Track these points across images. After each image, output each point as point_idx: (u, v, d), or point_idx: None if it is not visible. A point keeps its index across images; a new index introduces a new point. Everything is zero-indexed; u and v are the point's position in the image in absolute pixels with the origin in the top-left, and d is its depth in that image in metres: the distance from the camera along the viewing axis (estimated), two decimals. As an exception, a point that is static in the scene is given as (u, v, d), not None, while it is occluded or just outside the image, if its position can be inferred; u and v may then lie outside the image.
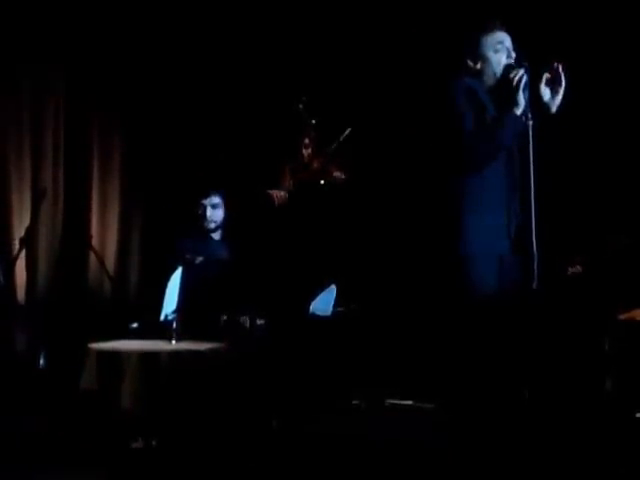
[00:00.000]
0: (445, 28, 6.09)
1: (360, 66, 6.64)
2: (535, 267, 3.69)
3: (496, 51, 3.94)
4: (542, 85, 3.84)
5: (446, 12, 6.30)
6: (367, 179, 6.09)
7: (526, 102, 3.78)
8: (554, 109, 3.88)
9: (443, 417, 4.04)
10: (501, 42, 3.95)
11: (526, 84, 3.79)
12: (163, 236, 6.45)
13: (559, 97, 3.87)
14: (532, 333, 3.91)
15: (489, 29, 3.98)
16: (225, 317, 5.02)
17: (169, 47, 7.12)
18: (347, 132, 5.83)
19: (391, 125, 6.33)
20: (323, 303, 5.29)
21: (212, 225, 5.47)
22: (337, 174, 6.07)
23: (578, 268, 5.40)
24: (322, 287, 5.30)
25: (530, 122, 3.73)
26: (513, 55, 3.95)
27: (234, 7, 7.04)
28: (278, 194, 5.81)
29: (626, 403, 4.83)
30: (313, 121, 5.92)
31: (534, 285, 3.69)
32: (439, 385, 4.08)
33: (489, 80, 3.97)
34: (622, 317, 5.10)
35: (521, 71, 3.79)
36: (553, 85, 3.86)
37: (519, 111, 3.80)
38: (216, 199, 5.48)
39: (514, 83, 3.78)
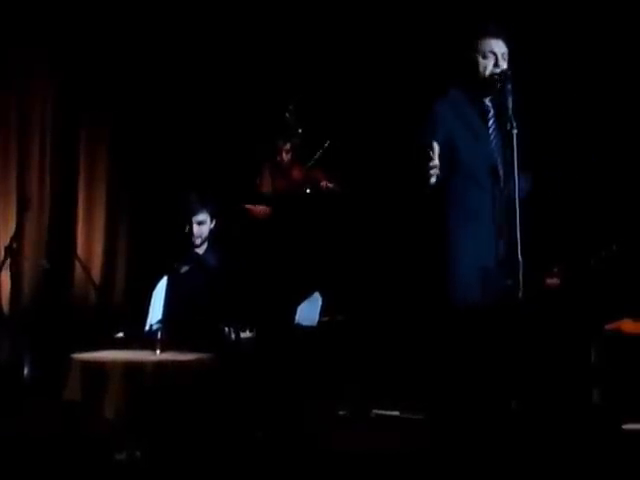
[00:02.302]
0: (431, 39, 6.12)
1: (350, 79, 6.65)
2: (520, 276, 3.68)
3: (484, 57, 3.96)
4: None
5: (434, 23, 6.33)
6: (354, 190, 6.08)
7: (511, 111, 3.78)
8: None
9: (431, 428, 4.02)
10: (491, 49, 3.96)
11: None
12: (149, 246, 6.44)
13: None
14: (519, 344, 3.89)
15: (482, 34, 3.99)
16: (210, 327, 4.99)
17: (157, 55, 7.11)
18: (320, 153, 5.82)
19: (377, 135, 6.34)
20: (309, 313, 5.27)
21: (198, 241, 5.45)
22: (324, 183, 6.06)
23: (555, 280, 5.40)
24: (307, 297, 5.29)
25: (515, 131, 3.73)
26: (501, 64, 3.96)
27: (224, 13, 7.04)
28: (258, 208, 5.79)
29: (613, 414, 4.81)
30: (300, 130, 5.92)
31: (519, 294, 3.67)
32: (426, 396, 4.06)
33: (474, 83, 3.99)
34: (608, 328, 5.09)
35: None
36: None
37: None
38: (202, 216, 5.45)
39: None
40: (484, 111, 3.99)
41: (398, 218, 5.24)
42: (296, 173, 5.98)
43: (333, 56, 6.84)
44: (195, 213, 5.41)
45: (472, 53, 3.99)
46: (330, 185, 5.92)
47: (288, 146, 6.04)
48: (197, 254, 5.45)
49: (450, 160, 3.90)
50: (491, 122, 3.98)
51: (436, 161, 3.70)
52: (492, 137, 3.96)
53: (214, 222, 5.46)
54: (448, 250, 3.89)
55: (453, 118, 3.94)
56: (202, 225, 5.43)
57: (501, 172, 3.93)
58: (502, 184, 3.92)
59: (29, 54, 6.72)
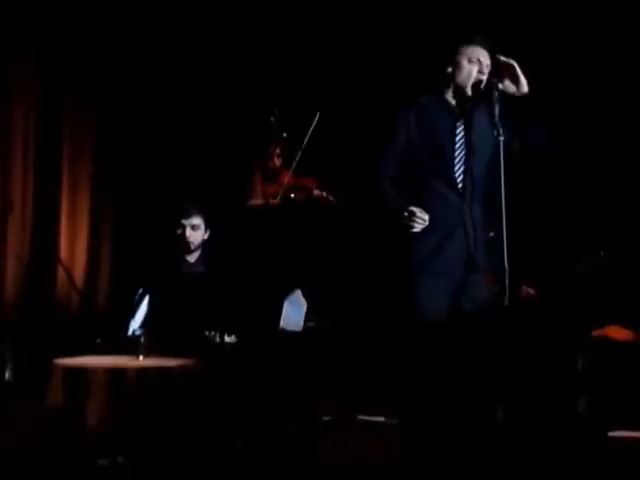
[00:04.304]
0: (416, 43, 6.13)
1: (336, 84, 6.65)
2: (507, 283, 3.66)
3: (470, 62, 3.99)
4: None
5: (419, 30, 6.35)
6: (346, 199, 6.06)
7: (498, 118, 3.78)
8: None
9: (414, 435, 4.00)
10: (477, 56, 3.99)
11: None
12: (132, 250, 6.40)
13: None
14: (505, 351, 3.89)
15: (470, 41, 4.00)
16: (194, 332, 4.96)
17: (142, 57, 7.09)
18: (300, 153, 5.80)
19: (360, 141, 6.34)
20: (293, 318, 5.24)
21: (191, 247, 5.39)
22: (317, 192, 6.04)
23: (530, 290, 5.41)
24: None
25: (501, 138, 3.72)
26: (486, 72, 3.97)
27: (212, 16, 7.03)
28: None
29: (599, 422, 4.81)
30: (284, 134, 5.89)
31: (505, 301, 3.66)
32: (411, 403, 4.04)
33: (454, 87, 4.00)
34: (595, 334, 5.09)
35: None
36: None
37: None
38: (196, 220, 5.38)
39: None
40: (455, 117, 4.02)
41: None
42: (286, 178, 5.94)
43: (319, 60, 6.85)
44: (189, 216, 5.34)
45: (457, 56, 4.00)
46: (323, 193, 5.91)
47: (278, 150, 6.01)
48: (186, 263, 5.40)
49: (408, 165, 3.95)
50: (460, 130, 4.01)
51: (426, 217, 3.78)
52: (459, 145, 3.98)
53: (208, 232, 5.40)
54: (411, 260, 3.93)
55: (416, 126, 3.98)
56: (196, 230, 5.36)
57: (460, 180, 3.97)
58: (462, 192, 3.96)
59: (12, 54, 6.67)
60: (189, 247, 5.34)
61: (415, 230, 3.84)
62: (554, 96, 4.07)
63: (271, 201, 5.88)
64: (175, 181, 6.78)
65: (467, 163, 3.98)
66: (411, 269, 3.94)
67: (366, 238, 5.88)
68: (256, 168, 6.34)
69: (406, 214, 3.85)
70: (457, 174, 3.98)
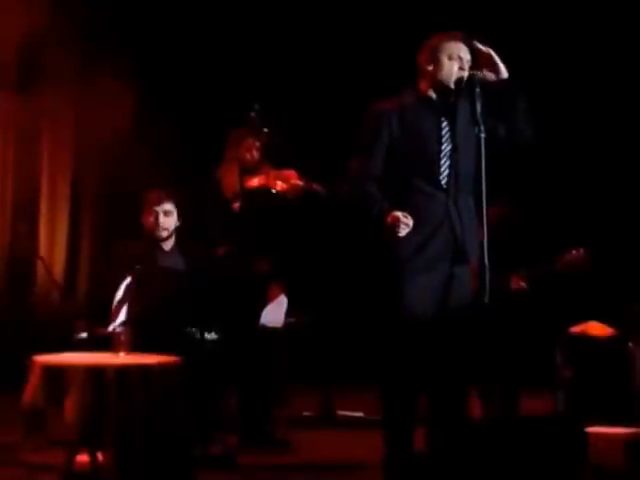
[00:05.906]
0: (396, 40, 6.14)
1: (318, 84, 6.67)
2: (487, 280, 3.67)
3: (450, 58, 4.00)
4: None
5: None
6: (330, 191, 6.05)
7: (480, 115, 3.79)
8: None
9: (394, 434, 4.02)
10: (458, 53, 3.99)
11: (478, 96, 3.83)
12: (113, 245, 6.36)
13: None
14: (484, 346, 3.90)
15: (450, 37, 4.01)
16: (175, 329, 4.95)
17: (122, 49, 7.08)
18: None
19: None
20: (274, 315, 5.24)
21: (164, 233, 5.34)
22: (301, 183, 6.01)
23: (521, 283, 5.42)
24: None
25: (482, 135, 3.73)
26: (466, 68, 3.98)
27: (191, 10, 7.03)
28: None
29: (577, 417, 4.83)
30: (265, 129, 5.85)
31: (485, 299, 3.67)
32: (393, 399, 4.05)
33: (435, 84, 4.00)
34: (574, 331, 5.12)
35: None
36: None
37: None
38: (168, 206, 5.35)
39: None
40: (438, 114, 4.03)
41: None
42: (265, 171, 5.91)
43: (301, 55, 6.86)
44: (161, 202, 5.30)
45: (437, 54, 4.00)
46: (301, 183, 5.87)
47: (258, 144, 5.96)
48: (162, 252, 5.37)
49: (392, 164, 3.97)
50: (444, 126, 4.01)
51: (410, 223, 3.79)
52: (444, 140, 3.99)
53: (181, 219, 5.37)
54: (396, 258, 3.93)
55: (400, 126, 3.99)
56: (168, 216, 5.32)
57: (445, 176, 3.98)
58: (446, 188, 3.97)
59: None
60: (163, 234, 5.30)
61: (401, 235, 3.84)
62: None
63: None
64: (153, 172, 6.73)
65: (452, 159, 3.98)
66: (396, 267, 3.94)
67: (351, 234, 5.91)
68: (231, 156, 6.22)
69: (389, 221, 3.86)
70: (442, 169, 3.99)
